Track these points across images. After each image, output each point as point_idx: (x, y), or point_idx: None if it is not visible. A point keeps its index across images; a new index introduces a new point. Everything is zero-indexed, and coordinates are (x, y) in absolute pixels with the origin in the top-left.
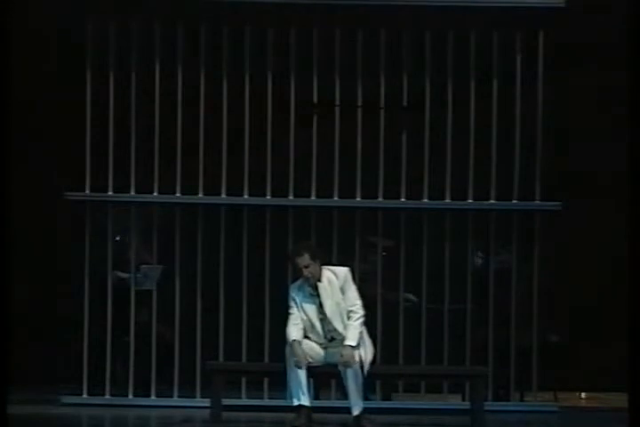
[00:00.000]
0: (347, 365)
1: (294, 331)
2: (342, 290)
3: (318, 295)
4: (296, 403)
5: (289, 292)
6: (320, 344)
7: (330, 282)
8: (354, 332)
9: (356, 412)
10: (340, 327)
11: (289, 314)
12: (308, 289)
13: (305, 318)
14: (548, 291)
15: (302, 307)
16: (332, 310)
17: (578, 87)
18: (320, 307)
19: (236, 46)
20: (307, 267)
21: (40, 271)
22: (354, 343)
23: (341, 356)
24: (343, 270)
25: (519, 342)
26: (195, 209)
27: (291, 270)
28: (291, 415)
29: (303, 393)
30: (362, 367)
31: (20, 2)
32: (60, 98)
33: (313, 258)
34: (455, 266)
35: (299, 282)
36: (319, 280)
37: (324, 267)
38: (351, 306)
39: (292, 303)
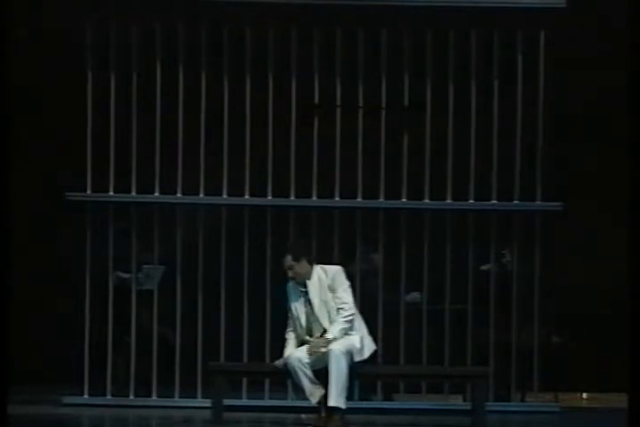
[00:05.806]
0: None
1: (290, 346)
2: (331, 288)
3: (307, 293)
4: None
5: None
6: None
7: (319, 280)
8: (336, 327)
9: (331, 403)
10: (327, 325)
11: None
12: (299, 287)
13: (295, 315)
14: (549, 291)
15: (293, 305)
16: (320, 308)
17: (578, 87)
18: (309, 304)
19: (236, 46)
20: (290, 268)
21: (40, 271)
22: (331, 336)
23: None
24: (333, 269)
25: (520, 342)
26: (195, 209)
27: None
28: (291, 416)
29: (312, 381)
30: (349, 366)
31: (20, 2)
32: (61, 98)
33: (296, 258)
34: (456, 266)
35: (291, 282)
36: (309, 278)
37: (317, 265)
38: (340, 304)
39: (289, 305)
